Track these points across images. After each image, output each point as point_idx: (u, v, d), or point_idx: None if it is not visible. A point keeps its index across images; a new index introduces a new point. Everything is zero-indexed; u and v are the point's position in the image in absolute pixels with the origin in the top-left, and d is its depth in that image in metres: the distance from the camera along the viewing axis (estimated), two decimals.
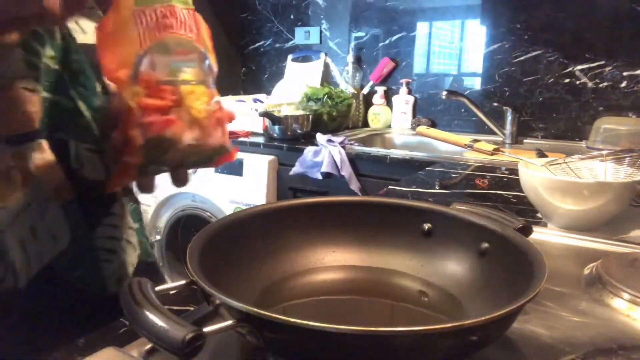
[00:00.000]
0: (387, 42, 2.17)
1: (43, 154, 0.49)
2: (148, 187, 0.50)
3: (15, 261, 0.48)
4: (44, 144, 0.50)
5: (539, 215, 0.83)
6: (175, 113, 0.44)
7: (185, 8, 0.44)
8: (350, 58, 2.21)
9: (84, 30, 0.55)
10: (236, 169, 1.84)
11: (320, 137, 1.77)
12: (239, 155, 1.84)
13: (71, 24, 0.53)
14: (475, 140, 1.01)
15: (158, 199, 2.08)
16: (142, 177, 0.48)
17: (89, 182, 0.54)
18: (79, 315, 0.53)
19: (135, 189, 0.52)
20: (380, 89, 2.17)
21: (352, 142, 1.77)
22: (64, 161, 0.52)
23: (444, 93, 1.84)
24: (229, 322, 0.36)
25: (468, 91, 2.00)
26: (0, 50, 0.44)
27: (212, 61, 0.47)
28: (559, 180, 0.74)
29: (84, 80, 0.53)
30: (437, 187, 1.11)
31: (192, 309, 0.51)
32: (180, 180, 0.51)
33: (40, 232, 0.50)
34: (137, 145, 0.43)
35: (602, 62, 1.72)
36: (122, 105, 0.43)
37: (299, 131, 1.91)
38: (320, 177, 1.72)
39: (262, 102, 2.12)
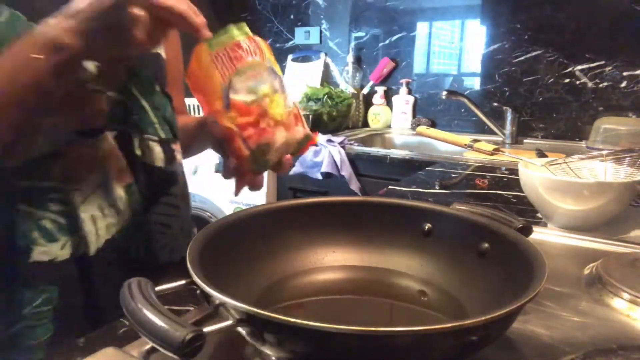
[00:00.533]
0: (387, 42, 2.17)
1: (109, 145, 0.60)
2: (259, 185, 0.61)
3: (87, 233, 0.59)
4: (110, 135, 0.60)
5: (539, 215, 0.83)
6: (264, 123, 0.54)
7: (246, 38, 0.54)
8: (350, 58, 2.21)
9: None
10: None
11: (320, 137, 1.77)
12: None
13: None
14: (475, 140, 1.01)
15: None
16: (254, 177, 0.60)
17: (150, 167, 0.65)
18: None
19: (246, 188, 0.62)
20: (380, 89, 2.17)
21: (352, 142, 1.77)
22: (127, 150, 0.62)
23: (444, 93, 1.84)
24: (229, 322, 0.36)
25: (468, 91, 2.00)
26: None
27: (277, 70, 0.56)
28: (559, 180, 0.74)
29: (145, 81, 0.65)
30: (437, 187, 1.11)
31: (192, 309, 0.51)
32: (282, 169, 0.60)
33: (106, 209, 0.60)
34: (244, 156, 0.55)
35: (602, 62, 1.72)
36: (224, 130, 0.54)
37: None
38: (320, 177, 1.72)
39: None
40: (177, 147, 0.71)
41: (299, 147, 0.59)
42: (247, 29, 0.54)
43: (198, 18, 0.50)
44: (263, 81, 0.54)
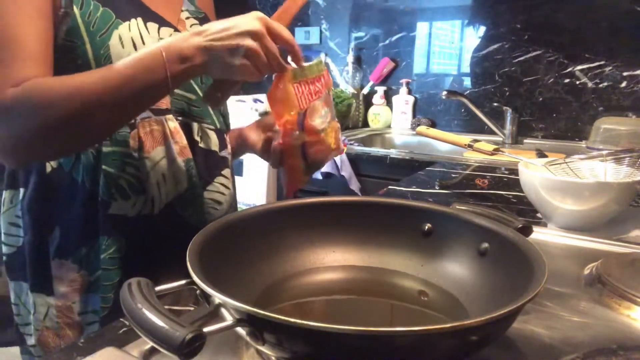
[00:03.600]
0: (387, 42, 2.17)
1: (174, 124, 0.73)
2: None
3: (153, 195, 0.72)
4: (174, 119, 0.73)
5: (539, 215, 0.83)
6: (325, 142, 0.66)
7: (325, 72, 0.63)
8: (350, 58, 2.21)
9: None
10: (236, 169, 1.83)
11: None
12: None
13: None
14: (475, 140, 1.01)
15: None
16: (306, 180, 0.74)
17: (206, 150, 0.78)
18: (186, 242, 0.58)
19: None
20: (380, 89, 2.17)
21: (352, 142, 1.77)
22: (188, 135, 0.75)
23: (444, 93, 1.84)
24: (229, 322, 0.36)
25: (468, 91, 2.00)
26: None
27: (331, 91, 0.67)
28: (559, 180, 0.74)
29: (205, 80, 0.77)
30: (437, 187, 1.11)
31: (192, 309, 0.51)
32: None
33: (167, 177, 0.73)
34: (300, 169, 0.68)
35: (602, 62, 1.72)
36: (289, 142, 0.67)
37: None
38: (320, 177, 1.72)
39: (262, 102, 2.11)
40: (228, 136, 0.85)
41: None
42: (323, 66, 0.64)
43: (299, 51, 0.63)
44: (330, 110, 0.65)
